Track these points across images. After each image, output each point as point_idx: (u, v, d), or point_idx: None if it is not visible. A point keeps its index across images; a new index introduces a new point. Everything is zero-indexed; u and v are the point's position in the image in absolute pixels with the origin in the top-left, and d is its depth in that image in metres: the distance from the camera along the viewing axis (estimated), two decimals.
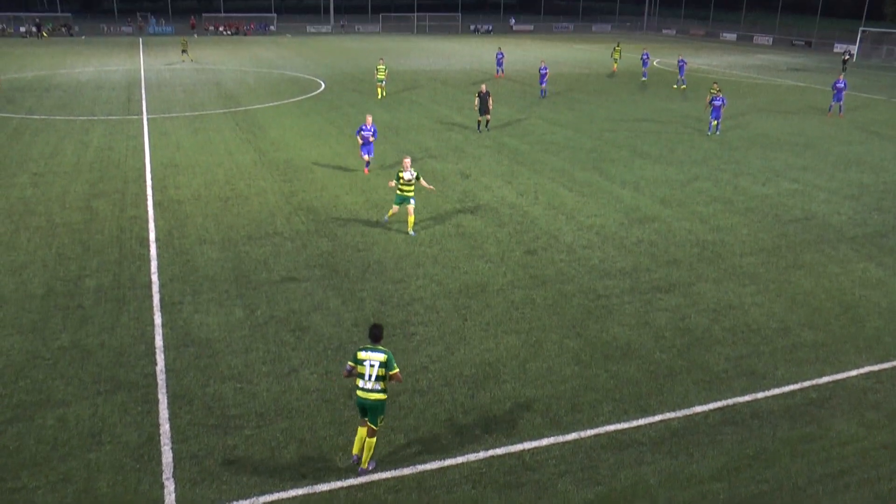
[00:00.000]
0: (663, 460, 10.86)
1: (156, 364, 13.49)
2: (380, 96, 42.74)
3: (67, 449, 11.13)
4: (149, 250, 18.95)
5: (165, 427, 11.65)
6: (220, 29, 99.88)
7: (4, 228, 20.46)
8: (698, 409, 12.18)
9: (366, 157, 26.04)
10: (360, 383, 10.46)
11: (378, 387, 10.42)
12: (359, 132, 26.05)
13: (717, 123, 33.50)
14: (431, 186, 22.00)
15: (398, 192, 20.01)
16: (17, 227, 20.62)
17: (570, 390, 12.65)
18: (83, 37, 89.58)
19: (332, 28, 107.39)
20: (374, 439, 10.58)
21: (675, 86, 50.08)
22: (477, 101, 33.64)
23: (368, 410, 10.51)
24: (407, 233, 19.97)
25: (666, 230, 20.65)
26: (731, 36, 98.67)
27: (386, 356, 10.51)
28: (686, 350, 14.06)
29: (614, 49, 60.90)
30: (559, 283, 17.05)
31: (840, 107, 38.62)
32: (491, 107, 33.74)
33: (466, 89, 47.09)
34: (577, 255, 18.69)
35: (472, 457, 10.88)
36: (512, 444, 11.19)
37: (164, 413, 12.00)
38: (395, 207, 20.33)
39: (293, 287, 16.72)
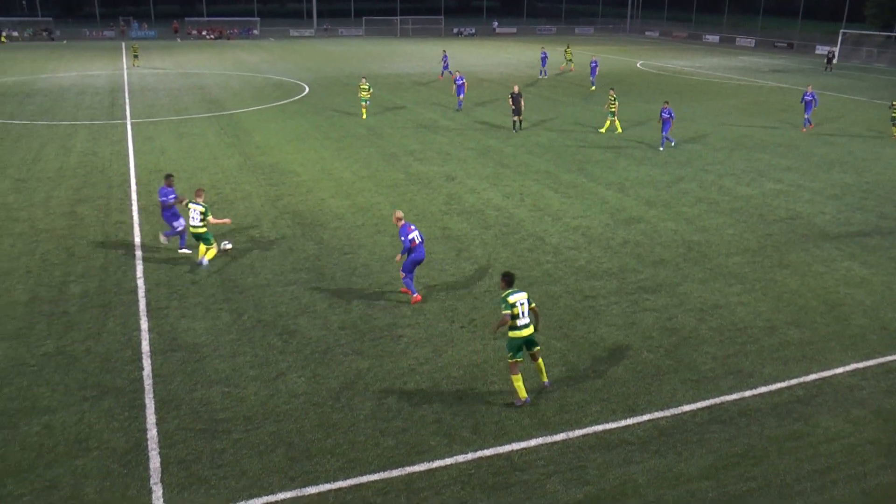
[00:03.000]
0: (652, 459, 10.88)
1: (142, 369, 13.41)
2: (364, 117, 38.11)
3: (53, 456, 11.03)
4: (134, 256, 18.83)
5: (153, 432, 11.57)
6: (204, 33, 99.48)
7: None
8: (686, 408, 12.21)
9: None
10: (519, 322, 11.92)
11: (531, 319, 12.02)
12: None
13: (665, 137, 31.67)
14: (225, 220, 19.33)
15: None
16: (0, 233, 20.43)
17: (558, 391, 12.65)
18: (64, 41, 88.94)
19: (315, 32, 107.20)
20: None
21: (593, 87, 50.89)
22: (510, 100, 34.69)
23: (530, 342, 12.16)
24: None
25: (652, 231, 20.73)
26: (714, 38, 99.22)
27: (526, 293, 12.07)
28: (673, 350, 14.10)
29: (565, 50, 62.92)
30: (546, 284, 17.07)
31: (808, 119, 36.35)
32: (523, 107, 34.74)
33: (450, 92, 47.09)
34: (564, 257, 18.72)
35: (460, 458, 10.86)
36: (500, 445, 11.18)
37: (151, 418, 11.93)
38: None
39: (280, 291, 16.66)
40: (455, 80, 40.54)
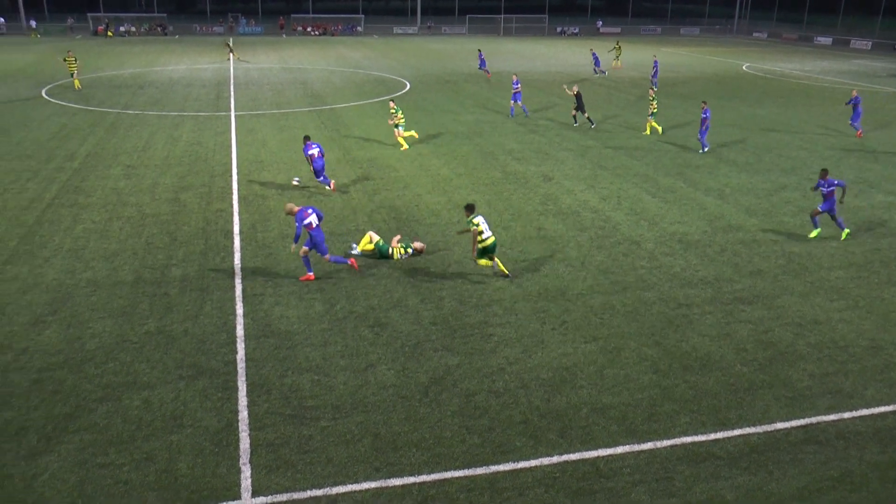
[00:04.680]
0: (741, 476, 10.61)
1: (236, 353, 13.89)
2: (404, 147, 30.22)
3: (151, 430, 11.57)
4: (233, 242, 19.49)
5: (244, 414, 11.97)
6: (308, 30, 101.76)
7: (99, 217, 21.33)
8: (780, 425, 11.84)
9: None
10: (484, 235, 16.68)
11: (491, 233, 16.81)
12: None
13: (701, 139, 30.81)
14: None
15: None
16: (111, 216, 21.48)
17: (648, 399, 12.48)
18: (176, 36, 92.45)
19: (418, 29, 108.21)
20: None
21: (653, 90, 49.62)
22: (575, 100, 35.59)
23: (492, 248, 16.85)
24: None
25: (751, 240, 20.16)
26: (827, 40, 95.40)
27: (482, 217, 17.01)
28: (768, 364, 13.70)
29: (615, 47, 62.50)
30: (639, 289, 16.83)
31: (856, 126, 34.70)
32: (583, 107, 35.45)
33: (551, 92, 46.85)
34: (659, 263, 18.42)
35: (545, 461, 10.85)
36: (586, 450, 11.11)
37: (242, 401, 12.34)
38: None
39: (373, 284, 16.96)
40: (512, 84, 38.20)
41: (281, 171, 26.42)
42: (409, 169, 27.04)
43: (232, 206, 22.59)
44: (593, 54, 58.96)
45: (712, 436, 11.51)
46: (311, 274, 17.12)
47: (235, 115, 37.43)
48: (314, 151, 23.51)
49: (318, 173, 23.75)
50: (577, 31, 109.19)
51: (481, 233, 16.62)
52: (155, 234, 20.14)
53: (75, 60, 45.80)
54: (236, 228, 20.55)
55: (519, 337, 14.54)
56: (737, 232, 20.76)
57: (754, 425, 11.80)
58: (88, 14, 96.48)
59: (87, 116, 37.26)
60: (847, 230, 20.47)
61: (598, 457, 10.97)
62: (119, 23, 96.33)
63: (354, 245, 18.53)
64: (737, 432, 11.62)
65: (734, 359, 13.86)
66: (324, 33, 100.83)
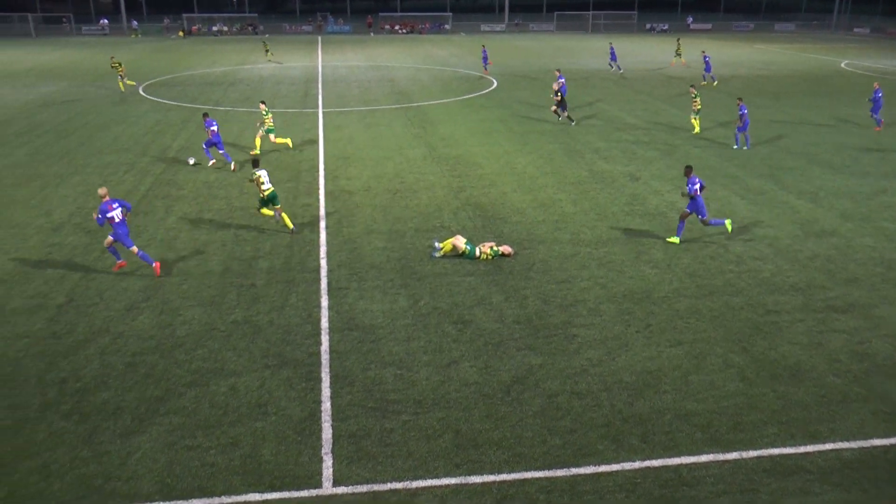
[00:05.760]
0: (833, 492, 10.22)
1: (320, 345, 14.16)
2: (255, 152, 28.86)
3: (237, 416, 11.91)
4: (318, 236, 19.85)
5: (327, 405, 12.19)
6: (396, 28, 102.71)
7: (190, 209, 22.03)
8: (877, 442, 11.35)
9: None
10: (264, 187, 19.61)
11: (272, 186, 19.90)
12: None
13: (745, 136, 30.30)
14: None
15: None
16: (202, 208, 22.17)
17: (733, 407, 12.17)
18: (266, 35, 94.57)
19: (506, 27, 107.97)
20: None
21: (705, 82, 48.83)
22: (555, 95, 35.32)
23: (273, 199, 19.82)
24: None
25: (845, 246, 19.41)
26: None
27: (266, 171, 19.97)
28: (864, 377, 13.17)
29: (677, 42, 60.50)
30: (727, 294, 16.42)
31: (877, 119, 33.98)
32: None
33: (640, 90, 46.10)
34: (747, 267, 17.92)
35: (627, 465, 10.71)
36: (669, 456, 10.92)
37: (325, 391, 12.58)
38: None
39: (457, 281, 17.02)
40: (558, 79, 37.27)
41: (367, 167, 26.76)
42: (495, 167, 27.02)
43: (318, 200, 23.01)
44: (611, 48, 57.80)
45: (802, 449, 11.14)
46: (123, 261, 17.70)
47: (323, 112, 38.09)
48: (214, 128, 26.62)
49: (218, 146, 26.85)
50: (666, 27, 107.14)
51: (262, 184, 19.53)
52: (243, 226, 20.68)
53: (120, 64, 47.10)
54: (322, 223, 20.92)
55: (603, 338, 14.38)
56: (830, 237, 20.03)
57: (848, 440, 11.36)
58: (183, 14, 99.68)
59: (181, 112, 38.51)
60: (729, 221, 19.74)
61: (680, 464, 10.76)
62: (211, 23, 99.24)
63: (437, 244, 18.61)
64: (828, 446, 11.21)
65: (826, 369, 13.38)
66: (411, 31, 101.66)
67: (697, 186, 18.80)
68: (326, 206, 22.37)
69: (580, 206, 22.33)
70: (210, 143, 26.83)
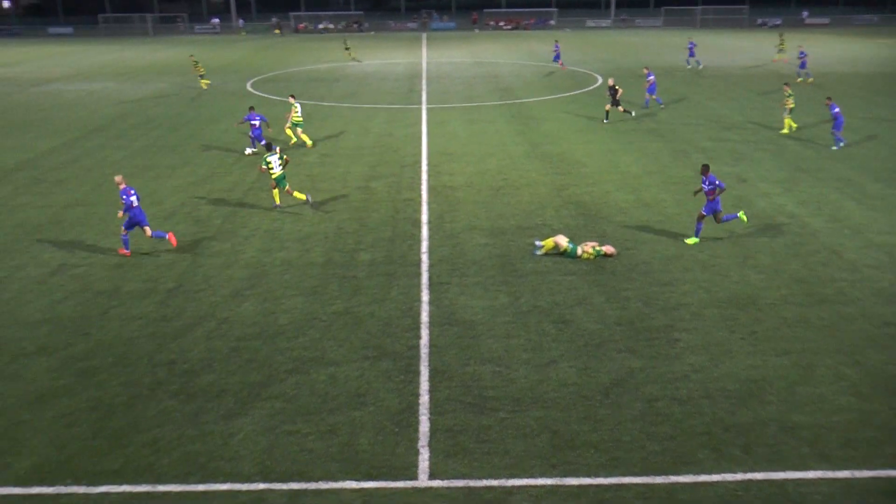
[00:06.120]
0: None
1: (420, 338, 14.29)
2: (294, 141, 30.68)
3: (336, 404, 12.17)
4: (420, 231, 20.02)
5: (424, 398, 12.29)
6: (501, 24, 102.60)
7: (294, 202, 22.56)
8: None
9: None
10: (276, 168, 21.38)
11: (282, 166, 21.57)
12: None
13: (836, 136, 28.86)
14: None
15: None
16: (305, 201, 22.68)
17: (844, 423, 11.63)
18: (372, 32, 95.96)
19: (611, 22, 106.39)
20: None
21: (801, 79, 46.79)
22: (607, 92, 34.92)
23: (281, 179, 21.54)
24: None
25: None
26: None
27: (277, 153, 21.67)
28: None
29: (780, 40, 58.32)
30: (838, 303, 15.71)
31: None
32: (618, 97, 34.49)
33: (748, 87, 44.63)
34: (862, 276, 17.10)
35: (728, 476, 10.39)
36: (773, 470, 10.53)
37: (424, 385, 12.69)
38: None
39: (558, 279, 16.88)
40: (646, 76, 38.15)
41: (470, 164, 26.84)
42: (599, 165, 26.65)
43: (421, 195, 23.21)
44: (690, 44, 56.31)
45: None
46: (128, 251, 18.72)
47: (426, 108, 38.38)
48: (256, 122, 28.51)
49: (259, 139, 28.66)
50: (779, 22, 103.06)
51: (271, 168, 21.42)
52: (345, 219, 21.06)
53: (197, 63, 48.33)
54: (424, 217, 21.10)
55: (705, 344, 14.00)
56: None
57: None
58: (290, 13, 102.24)
59: (285, 108, 39.43)
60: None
61: (785, 479, 10.37)
62: (318, 21, 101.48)
63: (538, 242, 18.50)
64: None
65: None
66: (516, 27, 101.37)
67: (716, 186, 18.49)
68: (429, 201, 22.55)
69: (684, 207, 21.79)
70: (254, 135, 28.73)
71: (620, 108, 34.57)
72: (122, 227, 18.50)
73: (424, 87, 46.11)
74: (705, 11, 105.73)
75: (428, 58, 62.73)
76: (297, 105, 29.90)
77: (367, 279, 17.07)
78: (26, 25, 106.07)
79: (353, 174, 25.81)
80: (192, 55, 54.80)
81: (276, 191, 21.99)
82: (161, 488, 10.31)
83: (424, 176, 25.39)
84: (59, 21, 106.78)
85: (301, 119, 30.12)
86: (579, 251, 17.98)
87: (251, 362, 13.50)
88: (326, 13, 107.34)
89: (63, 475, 10.62)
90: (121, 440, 11.38)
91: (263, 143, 26.83)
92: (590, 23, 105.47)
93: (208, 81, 47.92)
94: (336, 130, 32.95)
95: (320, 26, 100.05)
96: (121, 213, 18.36)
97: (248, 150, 29.11)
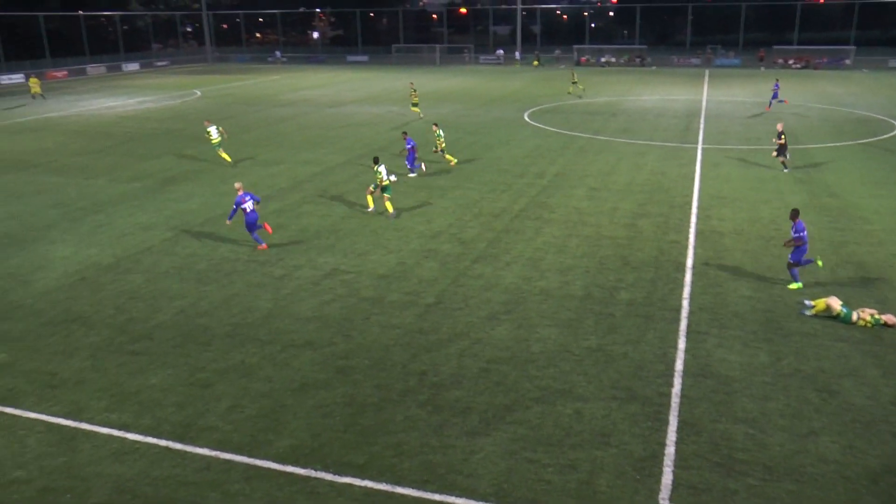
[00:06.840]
0: None
1: (672, 386, 13.85)
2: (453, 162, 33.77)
3: (578, 440, 12.11)
4: (683, 276, 19.41)
5: (670, 449, 11.88)
6: (790, 62, 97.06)
7: (559, 233, 22.81)
8: None
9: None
10: (384, 177, 24.33)
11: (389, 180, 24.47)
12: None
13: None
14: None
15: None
16: (570, 233, 22.84)
17: None
18: (653, 67, 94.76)
19: None
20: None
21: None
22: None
23: (387, 189, 24.46)
24: None
25: None
26: None
27: (385, 166, 24.64)
28: None
29: None
30: None
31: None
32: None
33: None
34: None
35: None
36: None
37: (671, 436, 12.28)
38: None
39: (827, 344, 15.59)
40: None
41: (742, 210, 25.60)
42: (887, 223, 24.21)
43: (688, 238, 22.52)
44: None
45: None
46: (264, 244, 21.82)
47: (702, 148, 37.20)
48: (408, 147, 30.86)
49: (409, 162, 31.14)
50: None
51: (381, 177, 24.25)
52: (608, 255, 20.93)
53: (415, 91, 49.13)
54: (689, 262, 20.44)
55: None
56: None
57: None
58: (574, 46, 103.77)
59: (560, 139, 40.07)
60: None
61: None
62: (600, 54, 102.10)
63: (808, 302, 17.21)
64: None
65: None
66: (806, 66, 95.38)
67: (804, 233, 17.47)
68: (695, 246, 21.82)
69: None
70: (411, 158, 31.00)
71: (782, 158, 31.39)
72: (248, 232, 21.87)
73: (702, 125, 44.71)
74: None
75: (708, 95, 60.75)
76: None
77: (623, 318, 16.84)
78: (329, 54, 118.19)
79: (621, 210, 25.61)
80: (412, 82, 57.11)
81: (370, 196, 25.33)
82: (399, 490, 10.88)
83: (693, 219, 24.59)
84: (357, 50, 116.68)
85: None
86: (854, 317, 16.46)
87: (499, 385, 13.83)
88: (610, 46, 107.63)
89: (314, 460, 11.65)
90: (368, 438, 12.19)
91: (409, 167, 30.95)
92: (893, 63, 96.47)
93: (417, 110, 49.08)
94: (608, 166, 32.89)
95: (602, 59, 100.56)
96: (228, 222, 21.91)
97: (411, 174, 31.18)
